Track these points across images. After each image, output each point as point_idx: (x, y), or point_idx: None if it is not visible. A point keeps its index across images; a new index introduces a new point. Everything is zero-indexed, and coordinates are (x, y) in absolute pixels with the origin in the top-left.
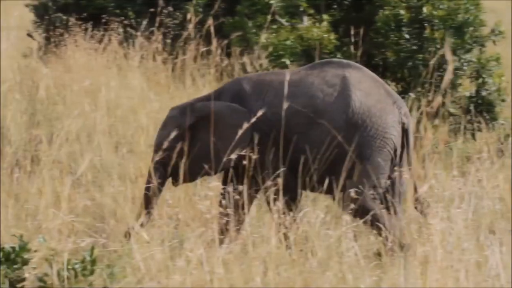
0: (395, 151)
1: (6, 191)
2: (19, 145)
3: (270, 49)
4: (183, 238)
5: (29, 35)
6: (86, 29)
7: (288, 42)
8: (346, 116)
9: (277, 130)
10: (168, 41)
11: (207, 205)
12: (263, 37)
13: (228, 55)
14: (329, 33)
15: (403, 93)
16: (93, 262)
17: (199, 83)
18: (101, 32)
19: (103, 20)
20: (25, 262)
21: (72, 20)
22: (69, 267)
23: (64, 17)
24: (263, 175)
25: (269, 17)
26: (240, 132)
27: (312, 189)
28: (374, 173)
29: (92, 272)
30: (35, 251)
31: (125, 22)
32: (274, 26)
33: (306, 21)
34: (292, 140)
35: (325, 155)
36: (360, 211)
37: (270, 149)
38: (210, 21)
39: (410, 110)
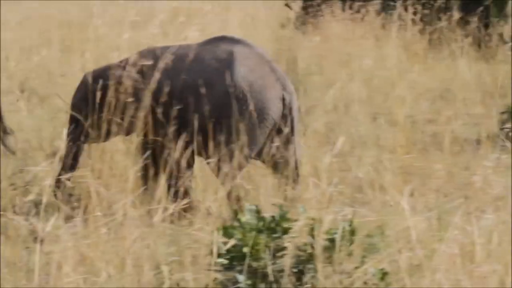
0: (274, 125)
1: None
2: None
3: None
4: (442, 209)
5: (287, 5)
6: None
7: None
8: (228, 89)
9: (170, 101)
10: (426, 11)
11: (467, 176)
12: None
13: (486, 24)
14: None
15: None
16: (352, 232)
17: (457, 53)
18: (359, 2)
19: None
20: (285, 231)
21: None
22: (329, 236)
23: None
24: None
25: None
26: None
27: (200, 155)
28: (249, 144)
29: (351, 242)
30: (295, 220)
31: None
32: None
33: None
34: (183, 111)
35: (208, 126)
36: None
37: (164, 119)
38: None
39: None
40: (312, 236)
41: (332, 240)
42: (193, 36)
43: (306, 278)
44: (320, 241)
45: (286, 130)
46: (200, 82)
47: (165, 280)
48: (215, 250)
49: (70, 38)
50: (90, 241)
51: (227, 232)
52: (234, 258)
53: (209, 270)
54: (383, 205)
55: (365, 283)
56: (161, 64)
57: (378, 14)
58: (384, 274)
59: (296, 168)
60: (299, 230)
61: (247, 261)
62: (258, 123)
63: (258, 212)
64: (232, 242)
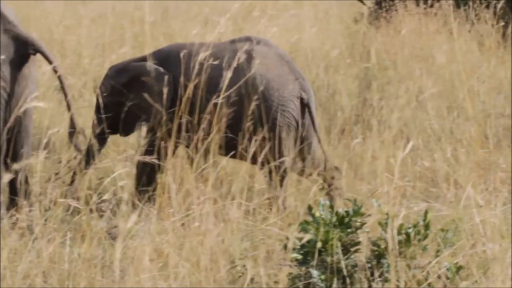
0: (296, 122)
1: (340, 156)
2: (351, 110)
3: None
4: None
5: (360, 0)
6: None
7: None
8: (246, 87)
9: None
10: (500, 5)
11: None
12: None
13: None
14: None
15: None
16: (427, 226)
17: None
18: None
19: None
20: (359, 226)
21: None
22: (402, 231)
23: None
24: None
25: None
26: (162, 93)
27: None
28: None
29: (425, 237)
30: (369, 215)
31: None
32: None
33: None
34: (201, 108)
35: (227, 123)
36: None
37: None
38: None
39: None
40: (386, 231)
41: (406, 235)
42: (266, 31)
43: (380, 272)
44: (394, 236)
45: (305, 129)
46: (219, 81)
47: (240, 275)
48: (289, 245)
49: (143, 34)
50: (166, 237)
51: (301, 227)
52: (308, 253)
53: (283, 265)
54: (457, 200)
55: (439, 277)
56: (181, 61)
57: (452, 8)
58: (458, 268)
59: (326, 164)
60: (372, 225)
61: (317, 256)
62: (278, 121)
63: (331, 207)
64: (306, 237)
